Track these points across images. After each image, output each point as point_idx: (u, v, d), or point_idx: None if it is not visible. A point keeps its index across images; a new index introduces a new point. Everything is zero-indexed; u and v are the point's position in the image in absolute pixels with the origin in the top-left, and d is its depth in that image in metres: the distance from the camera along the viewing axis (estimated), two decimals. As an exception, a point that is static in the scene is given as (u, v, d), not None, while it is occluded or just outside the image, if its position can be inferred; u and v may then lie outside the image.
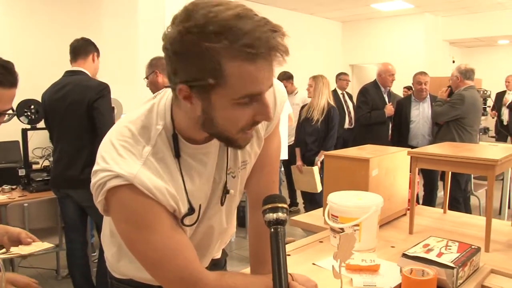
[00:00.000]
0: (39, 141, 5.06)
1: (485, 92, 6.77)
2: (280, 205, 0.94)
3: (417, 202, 2.33)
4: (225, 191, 1.11)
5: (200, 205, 1.05)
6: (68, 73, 3.07)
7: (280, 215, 0.93)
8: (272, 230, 0.92)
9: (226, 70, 0.82)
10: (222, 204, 1.13)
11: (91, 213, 3.04)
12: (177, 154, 0.98)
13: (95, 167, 0.95)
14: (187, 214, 1.01)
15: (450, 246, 1.50)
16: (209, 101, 0.87)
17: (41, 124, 3.91)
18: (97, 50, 3.15)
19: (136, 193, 0.91)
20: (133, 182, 0.90)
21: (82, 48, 3.08)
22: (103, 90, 2.95)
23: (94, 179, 0.94)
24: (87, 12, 6.13)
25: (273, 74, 0.88)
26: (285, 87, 4.35)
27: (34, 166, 4.12)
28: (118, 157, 0.93)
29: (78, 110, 2.92)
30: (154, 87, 3.16)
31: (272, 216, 0.93)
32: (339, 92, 6.87)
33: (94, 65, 3.14)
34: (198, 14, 0.81)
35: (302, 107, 4.78)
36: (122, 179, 0.90)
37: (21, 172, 3.62)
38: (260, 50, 0.81)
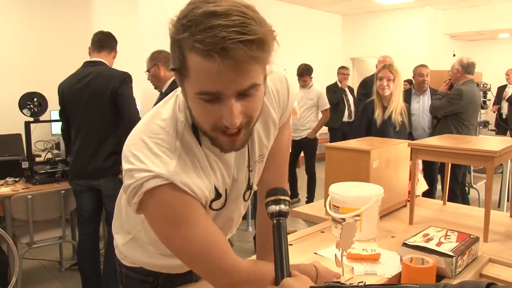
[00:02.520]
0: (42, 134, 5.10)
1: (485, 85, 6.78)
2: (282, 197, 0.96)
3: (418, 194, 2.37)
4: (249, 187, 1.15)
5: (226, 189, 1.07)
6: (89, 64, 3.09)
7: (283, 207, 0.95)
8: (275, 221, 0.95)
9: (188, 62, 0.84)
10: (245, 200, 1.17)
11: (108, 203, 3.00)
12: (200, 144, 1.00)
13: (127, 166, 0.94)
14: (214, 199, 1.04)
15: (450, 235, 1.53)
16: (185, 91, 0.91)
17: (44, 116, 3.94)
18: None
19: (175, 190, 0.93)
20: (173, 180, 0.92)
21: (109, 42, 3.14)
22: (126, 78, 3.01)
23: (129, 180, 0.93)
24: (89, 6, 6.14)
25: (246, 79, 0.84)
26: (305, 81, 4.40)
27: (37, 159, 4.15)
28: (153, 156, 0.93)
29: (102, 99, 2.94)
30: (156, 80, 3.19)
31: (274, 208, 0.95)
32: (339, 85, 6.91)
33: (113, 61, 3.20)
34: (187, 8, 0.84)
35: (365, 105, 3.64)
36: (161, 179, 0.91)
37: (24, 165, 3.65)
38: (209, 48, 0.79)
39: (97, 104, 2.96)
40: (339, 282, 0.86)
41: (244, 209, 1.22)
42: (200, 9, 0.81)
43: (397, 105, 3.29)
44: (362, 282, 0.85)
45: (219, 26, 0.79)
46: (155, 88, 3.26)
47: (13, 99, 4.35)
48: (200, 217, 0.97)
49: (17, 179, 3.64)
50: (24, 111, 3.88)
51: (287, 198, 0.97)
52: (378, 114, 3.29)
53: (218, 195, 1.05)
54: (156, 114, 1.02)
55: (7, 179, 3.57)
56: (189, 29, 0.81)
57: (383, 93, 3.30)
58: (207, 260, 0.97)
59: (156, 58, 3.14)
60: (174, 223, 0.95)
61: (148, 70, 3.19)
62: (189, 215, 0.95)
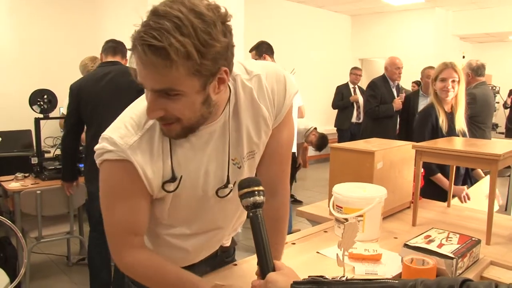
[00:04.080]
0: (50, 130, 5.16)
1: (494, 88, 6.75)
2: (256, 188, 0.98)
3: (423, 196, 2.37)
4: (225, 185, 1.15)
5: (181, 176, 1.10)
6: (106, 64, 3.07)
7: (257, 198, 0.98)
8: (251, 214, 0.97)
9: None
10: (219, 196, 1.16)
11: None
12: None
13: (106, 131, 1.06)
14: (168, 180, 1.08)
15: (451, 237, 1.54)
16: None
17: (53, 113, 3.99)
18: None
19: (121, 166, 1.03)
20: (125, 157, 1.02)
21: (121, 49, 3.14)
22: None
23: (98, 144, 1.06)
24: (99, 4, 6.18)
25: (157, 81, 0.92)
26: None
27: (46, 155, 4.20)
28: (123, 127, 1.04)
29: (126, 95, 2.84)
30: None
31: (249, 200, 0.97)
32: (351, 86, 6.93)
33: None
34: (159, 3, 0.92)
35: (428, 111, 2.95)
36: (115, 154, 1.02)
37: (34, 161, 3.69)
38: (131, 41, 0.90)
39: (121, 101, 2.87)
40: (322, 277, 0.88)
41: (235, 207, 1.23)
42: (153, 7, 0.90)
43: (463, 110, 2.83)
44: (344, 276, 0.88)
45: (146, 26, 0.88)
46: None
47: (23, 96, 4.40)
48: (132, 196, 1.06)
49: (26, 175, 3.69)
50: (34, 107, 3.93)
51: (261, 188, 0.99)
52: (442, 121, 2.75)
53: (173, 178, 1.08)
54: (144, 97, 1.10)
55: (16, 174, 3.61)
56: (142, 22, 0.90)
57: (446, 96, 2.75)
58: (112, 231, 1.10)
59: None
60: (111, 193, 1.08)
61: None
62: (124, 191, 1.06)
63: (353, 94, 6.88)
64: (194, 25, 0.87)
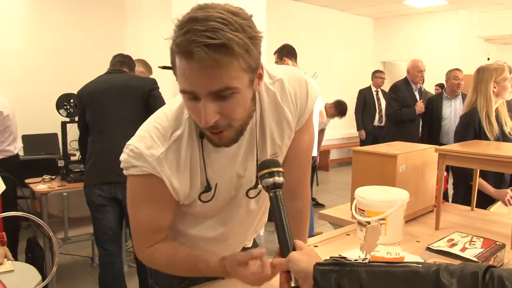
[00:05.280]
0: (76, 134, 5.24)
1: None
2: (275, 169, 1.00)
3: (447, 200, 2.34)
4: (256, 185, 1.18)
5: (216, 184, 1.13)
6: (114, 71, 3.08)
7: (277, 179, 0.99)
8: (271, 194, 0.98)
9: (175, 62, 0.94)
10: (249, 197, 1.20)
11: None
12: (201, 136, 1.07)
13: (131, 140, 1.09)
14: (204, 191, 1.12)
15: (475, 241, 1.53)
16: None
17: (79, 117, 4.06)
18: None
19: (147, 180, 1.07)
20: (150, 171, 1.05)
21: (129, 63, 3.17)
22: (156, 83, 3.01)
23: (123, 156, 1.08)
24: (123, 10, 6.29)
25: (215, 81, 0.91)
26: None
27: (72, 158, 4.30)
28: (149, 138, 1.06)
29: (133, 100, 2.87)
30: None
31: (269, 180, 0.99)
32: (373, 89, 6.90)
33: None
34: (184, 15, 0.92)
35: (471, 115, 2.78)
36: (140, 169, 1.05)
37: (60, 163, 3.78)
38: (180, 50, 0.89)
39: (130, 103, 2.87)
40: (344, 258, 0.89)
41: (258, 207, 1.25)
42: (187, 16, 0.90)
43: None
44: (366, 259, 0.88)
45: (193, 31, 0.87)
46: None
47: (50, 100, 4.52)
48: (157, 203, 1.11)
49: (53, 177, 3.77)
50: (61, 111, 4.03)
51: (280, 169, 1.01)
52: (490, 124, 2.68)
53: (208, 188, 1.11)
54: (170, 103, 1.12)
55: (44, 176, 3.71)
56: (176, 33, 0.91)
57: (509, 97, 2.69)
58: (137, 232, 1.17)
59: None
60: (137, 201, 1.13)
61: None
62: (150, 199, 1.10)
63: (375, 97, 6.83)
64: (237, 21, 0.90)
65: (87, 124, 2.95)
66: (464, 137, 2.66)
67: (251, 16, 0.96)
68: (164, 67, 3.01)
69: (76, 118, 3.89)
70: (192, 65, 0.89)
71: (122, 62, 3.13)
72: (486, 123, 2.65)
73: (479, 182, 2.54)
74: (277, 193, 0.98)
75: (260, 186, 1.16)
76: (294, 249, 0.96)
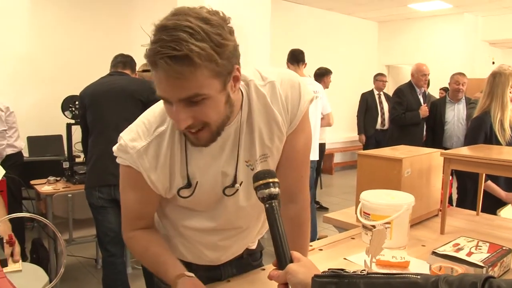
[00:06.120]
0: (80, 135, 5.28)
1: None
2: (271, 180, 0.99)
3: (451, 204, 2.34)
4: (231, 185, 1.19)
5: (197, 182, 1.16)
6: (115, 73, 3.11)
7: (272, 190, 0.98)
8: (267, 205, 0.98)
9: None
10: (226, 194, 1.20)
11: None
12: (185, 133, 1.09)
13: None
14: (183, 187, 1.16)
15: (481, 246, 1.52)
16: None
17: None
18: None
19: (130, 169, 1.15)
20: (130, 164, 1.13)
21: (131, 64, 3.19)
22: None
23: (115, 146, 1.17)
24: (129, 10, 6.32)
25: (183, 90, 0.95)
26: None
27: (77, 160, 4.31)
28: (134, 132, 1.14)
29: (134, 101, 2.89)
30: None
31: (265, 192, 0.98)
32: (376, 92, 6.89)
33: None
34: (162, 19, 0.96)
35: (482, 118, 2.79)
36: (123, 160, 1.14)
37: (65, 165, 3.79)
38: (148, 60, 0.94)
39: (127, 107, 2.87)
40: (343, 270, 0.89)
41: (251, 204, 1.25)
42: (160, 23, 0.94)
43: None
44: (364, 270, 0.88)
45: (159, 41, 0.91)
46: None
47: (55, 101, 4.53)
48: (140, 191, 1.17)
49: (58, 178, 3.78)
50: (66, 113, 4.05)
51: (276, 180, 1.00)
52: (504, 128, 2.66)
53: (188, 184, 1.15)
54: (161, 102, 1.14)
55: (49, 178, 3.72)
56: (150, 39, 0.95)
57: None
58: (124, 212, 1.24)
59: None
60: (124, 185, 1.21)
61: None
62: (134, 186, 1.18)
63: (377, 101, 6.82)
64: (205, 30, 0.92)
65: (87, 126, 2.99)
66: (475, 141, 2.65)
67: (228, 18, 0.99)
68: (144, 71, 3.07)
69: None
70: (159, 74, 0.94)
71: (124, 62, 3.15)
72: (498, 128, 2.64)
73: (489, 185, 2.54)
74: (273, 204, 0.98)
75: (237, 185, 1.19)
76: (291, 261, 0.95)
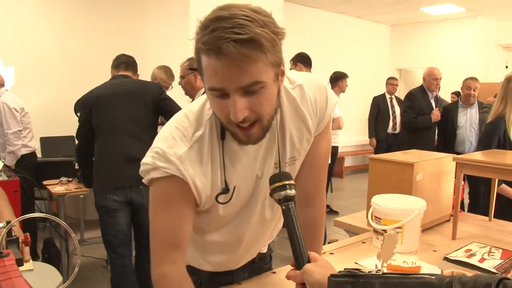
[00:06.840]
0: (76, 143, 5.32)
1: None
2: (287, 182, 1.00)
3: (463, 209, 2.32)
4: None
5: (234, 187, 1.13)
6: (119, 76, 3.07)
7: (289, 192, 0.99)
8: (284, 207, 0.99)
9: (201, 61, 0.95)
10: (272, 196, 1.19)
11: (144, 215, 2.64)
12: (222, 136, 1.08)
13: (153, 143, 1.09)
14: (221, 192, 1.11)
15: (493, 252, 1.51)
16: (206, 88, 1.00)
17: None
18: None
19: (170, 182, 1.05)
20: (173, 172, 1.04)
21: (133, 65, 3.17)
22: (162, 87, 3.05)
23: (145, 159, 1.07)
24: (141, 10, 6.35)
25: (245, 76, 0.91)
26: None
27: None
28: (170, 138, 1.06)
29: (143, 103, 2.89)
30: (190, 87, 3.11)
31: (281, 194, 0.99)
32: (387, 96, 6.87)
33: None
34: (206, 15, 0.94)
35: (496, 124, 2.78)
36: (162, 172, 1.04)
37: (77, 166, 3.82)
38: (208, 47, 0.90)
39: (136, 109, 2.86)
40: (358, 270, 0.89)
41: (272, 216, 1.25)
42: (211, 15, 0.92)
43: None
44: (380, 270, 0.88)
45: (220, 28, 0.89)
46: (186, 94, 3.18)
47: (68, 103, 4.58)
48: (178, 206, 1.07)
49: (70, 179, 3.81)
50: (78, 114, 4.08)
51: (292, 182, 1.01)
52: None
53: (226, 190, 1.11)
54: (190, 105, 1.14)
55: (61, 178, 3.75)
56: (201, 32, 0.93)
57: None
58: (155, 240, 1.10)
59: (193, 65, 3.05)
60: (159, 204, 1.09)
61: (183, 76, 3.12)
62: (171, 202, 1.07)
63: (389, 104, 6.79)
64: (261, 18, 0.92)
65: (93, 129, 2.91)
66: (489, 145, 2.64)
67: (271, 13, 0.98)
68: (191, 69, 3.03)
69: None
70: (222, 61, 0.90)
71: (127, 63, 3.13)
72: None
73: (504, 189, 2.51)
74: (290, 206, 0.99)
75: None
76: (308, 261, 0.96)
